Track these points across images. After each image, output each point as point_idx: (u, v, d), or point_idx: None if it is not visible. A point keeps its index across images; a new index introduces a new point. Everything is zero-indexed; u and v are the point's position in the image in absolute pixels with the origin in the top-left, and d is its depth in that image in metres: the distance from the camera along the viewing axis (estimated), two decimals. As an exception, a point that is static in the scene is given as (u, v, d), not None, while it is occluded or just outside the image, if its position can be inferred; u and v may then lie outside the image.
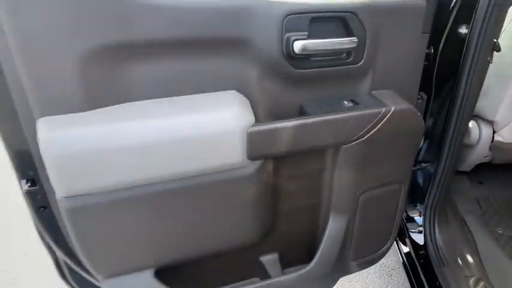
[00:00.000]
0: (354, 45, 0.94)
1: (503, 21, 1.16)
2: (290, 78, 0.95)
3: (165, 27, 0.78)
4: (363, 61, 0.99)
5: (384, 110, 1.00)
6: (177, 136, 0.79)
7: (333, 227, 1.15)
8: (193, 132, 0.80)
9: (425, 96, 1.35)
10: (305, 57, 0.92)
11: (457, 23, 1.18)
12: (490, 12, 1.10)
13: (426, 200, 1.48)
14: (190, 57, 0.84)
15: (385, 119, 1.00)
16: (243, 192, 0.94)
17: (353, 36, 0.94)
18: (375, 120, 0.99)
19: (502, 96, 1.35)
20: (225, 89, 0.91)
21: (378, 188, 1.15)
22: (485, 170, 1.75)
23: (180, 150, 0.80)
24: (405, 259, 1.50)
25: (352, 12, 0.92)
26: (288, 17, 0.87)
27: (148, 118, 0.79)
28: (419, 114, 1.06)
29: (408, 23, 1.01)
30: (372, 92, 1.08)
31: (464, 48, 1.19)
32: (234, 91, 0.92)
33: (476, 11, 1.13)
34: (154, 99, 0.85)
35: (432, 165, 1.45)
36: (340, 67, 0.98)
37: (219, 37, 0.84)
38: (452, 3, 1.18)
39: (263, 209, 1.02)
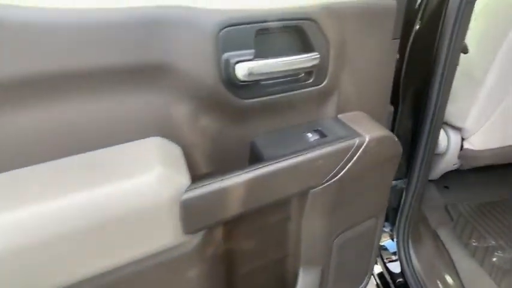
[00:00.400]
0: (316, 62, 0.71)
1: (470, 19, 1.00)
2: (235, 112, 0.70)
3: (39, 57, 0.50)
4: (326, 81, 0.77)
5: (357, 141, 0.79)
6: (68, 226, 0.51)
7: (305, 282, 0.93)
8: (95, 215, 0.52)
9: (392, 109, 1.17)
10: (253, 84, 0.67)
11: (424, 25, 1.01)
12: (462, 11, 0.93)
13: (398, 221, 1.32)
14: (90, 96, 0.56)
15: (360, 151, 0.79)
16: (183, 275, 0.68)
17: (313, 51, 0.71)
18: (348, 155, 0.78)
19: (471, 101, 1.22)
20: (143, 136, 0.64)
21: (353, 228, 0.95)
22: (449, 173, 1.65)
23: (79, 244, 0.52)
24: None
25: (311, 19, 0.69)
26: (225, 30, 0.62)
27: (27, 203, 0.50)
28: (396, 139, 0.87)
29: (378, 28, 0.81)
30: (339, 117, 0.86)
31: (435, 52, 1.02)
32: (157, 138, 0.65)
33: (446, 9, 0.95)
34: (33, 166, 0.56)
35: (403, 181, 1.29)
36: (298, 91, 0.75)
37: (124, 65, 0.57)
38: (418, 2, 1.00)
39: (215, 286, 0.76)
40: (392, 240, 1.36)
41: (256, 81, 0.68)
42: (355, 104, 0.89)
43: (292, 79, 0.75)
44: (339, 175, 0.79)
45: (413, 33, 1.04)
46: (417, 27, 1.02)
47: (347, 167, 0.80)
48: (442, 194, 1.66)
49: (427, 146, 1.15)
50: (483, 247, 1.39)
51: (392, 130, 1.21)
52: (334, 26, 0.73)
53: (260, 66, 0.65)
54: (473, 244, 1.40)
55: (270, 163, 0.68)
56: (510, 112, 1.23)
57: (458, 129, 1.34)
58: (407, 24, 1.03)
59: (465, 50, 1.15)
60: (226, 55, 0.63)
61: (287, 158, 0.70)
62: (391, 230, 1.37)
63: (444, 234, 1.43)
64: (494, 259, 1.33)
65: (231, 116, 0.71)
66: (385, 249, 1.36)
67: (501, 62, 1.11)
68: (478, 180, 1.68)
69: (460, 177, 1.58)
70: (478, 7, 1.15)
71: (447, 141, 1.35)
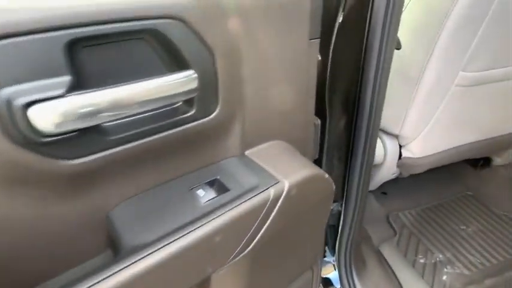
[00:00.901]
0: (193, 85, 0.45)
1: (401, 9, 0.81)
2: (61, 181, 0.41)
3: None
4: (218, 109, 0.51)
5: (272, 191, 0.54)
6: None
7: None
8: None
9: (318, 121, 0.95)
10: (84, 132, 0.39)
11: (349, 18, 0.79)
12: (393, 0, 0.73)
13: (337, 249, 1.12)
14: None
15: (278, 204, 0.55)
16: None
17: (187, 69, 0.45)
18: (262, 214, 0.53)
19: (407, 104, 1.05)
20: None
21: (284, 292, 0.72)
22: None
23: None
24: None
25: (176, 17, 0.42)
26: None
27: None
28: (326, 176, 0.64)
29: (289, 26, 0.56)
30: (247, 154, 0.61)
31: (364, 49, 0.81)
32: None
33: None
34: None
35: (339, 204, 1.09)
36: (174, 130, 0.48)
37: None
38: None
39: None
40: (335, 270, 1.16)
41: (85, 131, 0.40)
42: (269, 130, 0.64)
43: (161, 113, 0.48)
44: (252, 244, 0.54)
45: (335, 29, 0.82)
46: (340, 20, 0.81)
47: (262, 229, 0.55)
48: (382, 203, 1.52)
49: (364, 160, 0.95)
50: (431, 263, 1.25)
51: (321, 146, 1.00)
52: (218, 27, 0.47)
53: (80, 104, 0.36)
54: (421, 261, 1.25)
55: (132, 259, 0.41)
56: (450, 115, 1.08)
57: (395, 136, 1.17)
58: (328, 18, 0.80)
59: (398, 46, 0.97)
60: (5, 92, 0.33)
61: (162, 244, 0.43)
62: (333, 260, 1.17)
63: (389, 253, 1.27)
64: (444, 277, 1.20)
65: (55, 188, 0.42)
66: (330, 284, 1.16)
67: (438, 58, 0.95)
68: (416, 183, 1.56)
69: (395, 182, 1.44)
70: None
71: (384, 150, 1.18)
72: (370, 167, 0.99)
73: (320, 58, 0.87)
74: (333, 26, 0.80)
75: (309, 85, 0.69)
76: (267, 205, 0.54)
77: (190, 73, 0.45)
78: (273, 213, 0.55)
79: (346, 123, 0.96)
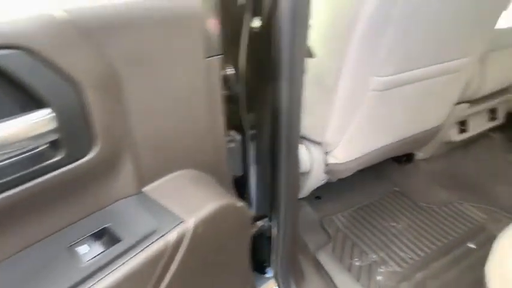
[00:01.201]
0: (50, 126, 0.37)
1: (309, 14, 0.78)
2: None
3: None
4: (97, 148, 0.43)
5: (174, 234, 0.48)
6: None
7: None
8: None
9: (238, 136, 0.91)
10: None
11: (260, 29, 0.75)
12: (298, 4, 0.70)
13: (273, 264, 1.08)
14: None
15: (183, 247, 0.49)
16: None
17: (42, 107, 0.36)
18: (163, 263, 0.46)
19: (327, 112, 1.05)
20: None
21: None
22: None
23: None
24: None
25: (19, 46, 0.34)
26: None
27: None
28: (239, 204, 0.59)
29: (178, 46, 0.50)
30: (145, 191, 0.53)
31: (274, 60, 0.77)
32: None
33: (276, 4, 0.71)
34: None
35: (268, 219, 1.05)
36: (42, 179, 0.40)
37: None
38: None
39: None
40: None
41: None
42: (173, 160, 0.58)
43: (21, 161, 0.39)
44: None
45: (244, 42, 0.78)
46: (247, 33, 0.76)
47: (166, 278, 0.48)
48: (316, 208, 1.52)
49: (288, 170, 0.92)
50: (366, 265, 1.26)
51: (244, 162, 0.95)
52: (83, 54, 0.39)
53: None
54: (356, 264, 1.26)
55: None
56: (369, 119, 1.10)
57: (319, 144, 1.17)
58: (234, 31, 0.76)
59: (310, 54, 0.95)
60: None
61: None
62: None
63: (325, 260, 1.26)
64: (378, 277, 1.21)
65: None
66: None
67: (351, 64, 0.94)
68: (347, 185, 1.58)
69: (330, 184, 1.45)
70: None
71: (310, 158, 1.17)
72: (297, 176, 0.96)
73: (233, 71, 0.83)
74: (239, 39, 0.75)
75: (213, 104, 0.63)
76: (169, 251, 0.47)
77: (45, 113, 0.37)
78: (178, 258, 0.48)
79: (267, 135, 0.92)
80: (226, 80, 0.81)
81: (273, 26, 0.74)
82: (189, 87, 0.56)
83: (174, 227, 0.49)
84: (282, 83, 0.79)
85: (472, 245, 1.33)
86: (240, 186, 0.94)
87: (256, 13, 0.77)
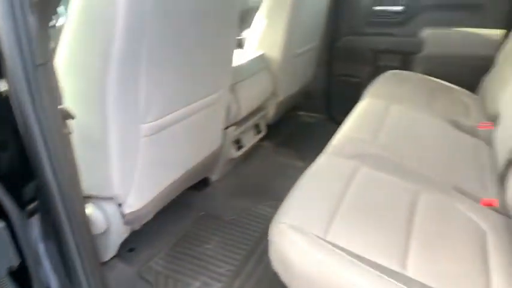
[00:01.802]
0: None
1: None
2: None
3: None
4: None
5: None
6: None
7: None
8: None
9: (2, 224, 0.81)
10: None
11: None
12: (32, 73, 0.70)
13: None
14: None
15: None
16: None
17: None
18: None
19: (107, 167, 1.06)
20: None
21: None
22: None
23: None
24: None
25: None
26: None
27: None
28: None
29: None
30: None
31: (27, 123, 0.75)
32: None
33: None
34: None
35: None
36: None
37: None
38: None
39: None
40: None
41: None
42: None
43: None
44: None
45: None
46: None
47: None
48: (131, 261, 1.47)
49: (80, 239, 0.88)
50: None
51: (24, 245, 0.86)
52: None
53: None
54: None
55: None
56: (150, 162, 1.18)
57: (110, 198, 1.16)
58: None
59: (70, 116, 0.95)
60: None
61: None
62: None
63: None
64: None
65: None
66: None
67: (115, 115, 0.99)
68: (155, 225, 1.61)
69: (138, 232, 1.45)
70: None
71: (104, 216, 1.15)
72: (91, 240, 0.93)
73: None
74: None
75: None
76: None
77: None
78: None
79: (49, 205, 0.86)
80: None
81: (19, 90, 0.71)
82: None
83: None
84: (43, 152, 0.76)
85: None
86: (23, 274, 0.84)
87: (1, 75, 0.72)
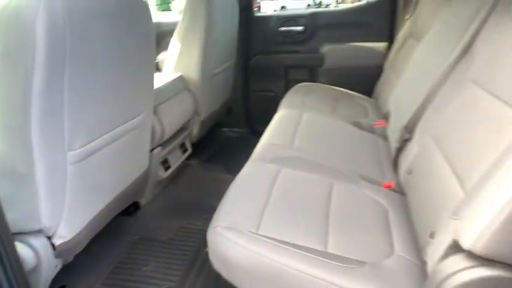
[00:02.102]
0: None
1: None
2: None
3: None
4: None
5: None
6: None
7: None
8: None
9: None
10: None
11: None
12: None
13: None
14: None
15: None
16: None
17: None
18: None
19: (34, 199, 1.03)
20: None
21: None
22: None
23: None
24: None
25: None
26: None
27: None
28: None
29: None
30: None
31: None
32: None
33: None
34: None
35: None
36: None
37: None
38: None
39: None
40: None
41: None
42: None
43: None
44: None
45: None
46: None
47: None
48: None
49: (13, 278, 0.86)
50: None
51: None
52: None
53: None
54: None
55: None
56: (81, 188, 1.18)
57: (39, 231, 1.13)
58: None
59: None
60: None
61: None
62: None
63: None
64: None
65: None
66: None
67: (40, 145, 0.98)
68: (89, 255, 1.57)
69: (69, 265, 1.40)
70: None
71: (33, 251, 1.11)
72: (23, 279, 0.91)
73: None
74: None
75: None
76: None
77: None
78: None
79: None
80: None
81: None
82: None
83: None
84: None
85: (207, 249, 1.66)
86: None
87: None
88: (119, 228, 1.78)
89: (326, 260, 0.92)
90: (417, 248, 1.02)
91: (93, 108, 1.17)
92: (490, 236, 0.70)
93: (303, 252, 0.94)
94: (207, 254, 1.63)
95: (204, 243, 1.73)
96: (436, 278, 0.79)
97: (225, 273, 1.00)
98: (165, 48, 2.32)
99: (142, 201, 1.96)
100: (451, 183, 0.93)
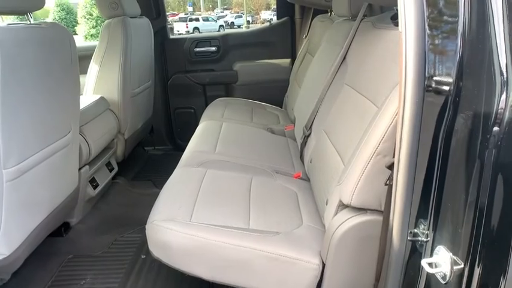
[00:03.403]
0: None
1: None
2: None
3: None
4: None
5: None
6: None
7: None
8: None
9: None
10: None
11: None
12: None
13: None
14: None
15: None
16: None
17: None
18: None
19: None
20: None
21: None
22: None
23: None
24: None
25: None
26: None
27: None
28: None
29: None
30: None
31: None
32: None
33: None
34: None
35: None
36: None
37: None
38: None
39: None
40: None
41: None
42: None
43: None
44: None
45: None
46: None
47: None
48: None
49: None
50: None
51: None
52: None
53: None
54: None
55: None
56: (17, 205, 1.22)
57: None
58: None
59: None
60: None
61: None
62: None
63: None
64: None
65: None
66: None
67: None
68: (18, 280, 1.56)
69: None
70: None
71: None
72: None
73: None
74: None
75: None
76: None
77: None
78: None
79: None
80: None
81: None
82: None
83: None
84: None
85: (143, 256, 1.76)
86: None
87: None
88: (50, 248, 1.79)
89: (248, 232, 1.14)
90: (320, 219, 1.29)
91: (25, 127, 1.24)
92: (358, 190, 0.98)
93: (229, 229, 1.14)
94: (144, 260, 1.74)
95: (139, 252, 1.83)
96: (329, 231, 1.06)
97: (165, 258, 1.15)
98: (83, 71, 2.38)
99: (73, 221, 1.97)
100: (337, 160, 1.22)
